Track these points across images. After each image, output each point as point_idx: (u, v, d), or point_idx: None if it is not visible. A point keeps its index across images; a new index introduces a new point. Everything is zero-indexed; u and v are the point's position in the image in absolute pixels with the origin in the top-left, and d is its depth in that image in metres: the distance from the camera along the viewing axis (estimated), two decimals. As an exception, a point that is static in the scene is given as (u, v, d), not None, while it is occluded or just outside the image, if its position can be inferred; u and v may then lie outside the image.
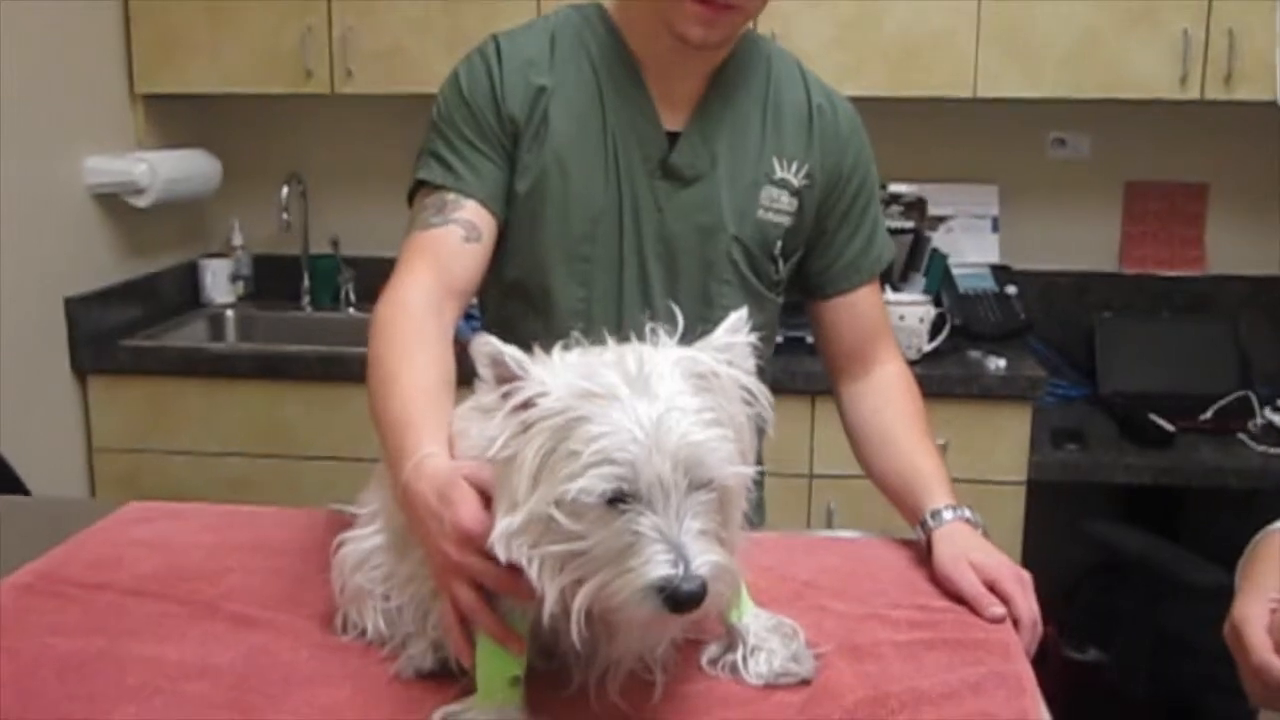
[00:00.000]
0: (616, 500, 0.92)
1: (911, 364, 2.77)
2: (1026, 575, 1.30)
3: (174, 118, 3.27)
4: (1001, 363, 2.83)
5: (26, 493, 2.10)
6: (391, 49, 3.02)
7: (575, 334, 1.07)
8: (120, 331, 3.00)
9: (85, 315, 2.91)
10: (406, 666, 1.16)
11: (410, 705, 1.11)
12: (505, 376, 0.98)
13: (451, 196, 1.46)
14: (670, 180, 1.51)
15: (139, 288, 3.16)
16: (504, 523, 0.96)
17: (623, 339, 1.46)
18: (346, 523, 1.29)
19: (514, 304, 1.55)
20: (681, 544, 0.91)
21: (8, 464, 2.13)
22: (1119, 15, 2.86)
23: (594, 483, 0.91)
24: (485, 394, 0.99)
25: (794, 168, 1.53)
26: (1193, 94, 2.87)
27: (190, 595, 1.35)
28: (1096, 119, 3.23)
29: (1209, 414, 2.95)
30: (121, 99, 3.11)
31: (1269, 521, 1.38)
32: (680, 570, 0.90)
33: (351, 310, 3.38)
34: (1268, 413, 2.94)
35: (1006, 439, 2.78)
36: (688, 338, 1.55)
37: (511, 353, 0.98)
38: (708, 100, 1.51)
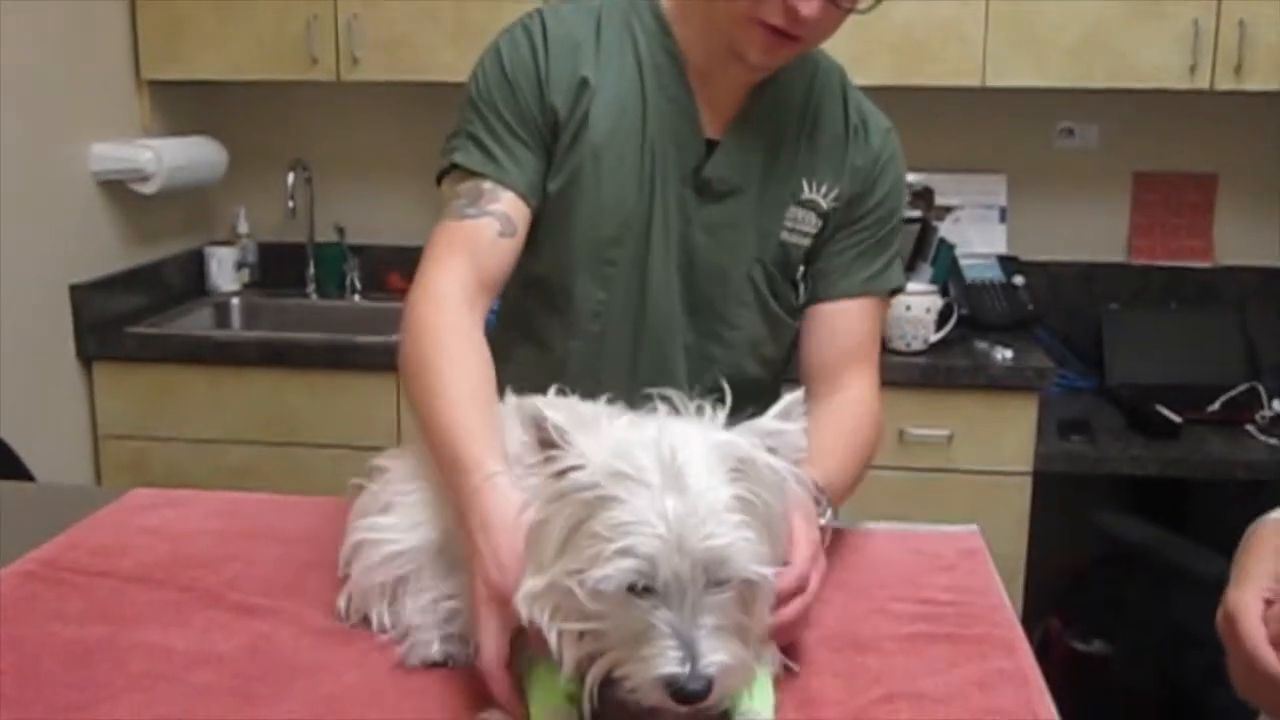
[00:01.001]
0: (635, 588, 0.92)
1: (918, 354, 2.82)
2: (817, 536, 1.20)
3: (180, 104, 3.27)
4: (1008, 353, 2.82)
5: (31, 479, 2.10)
6: (397, 37, 3.02)
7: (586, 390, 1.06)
8: (126, 318, 3.00)
9: (91, 302, 2.91)
10: (411, 655, 1.17)
11: (414, 695, 1.11)
12: (546, 441, 0.97)
13: (488, 186, 1.40)
14: (701, 192, 1.46)
15: (144, 275, 3.16)
16: (529, 584, 0.97)
17: (640, 347, 1.41)
18: (348, 510, 1.29)
19: (533, 298, 1.51)
20: (693, 640, 0.91)
21: (12, 451, 2.13)
22: (1128, 5, 2.84)
23: (613, 573, 0.91)
24: (526, 455, 0.99)
25: (823, 189, 1.47)
26: (1202, 84, 2.85)
27: (193, 583, 1.35)
28: (1105, 109, 3.21)
29: (1216, 405, 2.94)
30: (127, 85, 3.10)
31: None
32: (687, 669, 0.91)
33: (357, 298, 3.38)
34: (1275, 404, 2.93)
35: (1013, 430, 2.77)
36: (705, 356, 1.51)
37: (554, 420, 0.97)
38: (748, 112, 1.46)
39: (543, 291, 1.50)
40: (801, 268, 1.50)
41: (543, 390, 1.28)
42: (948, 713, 1.08)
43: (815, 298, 1.52)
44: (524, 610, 0.96)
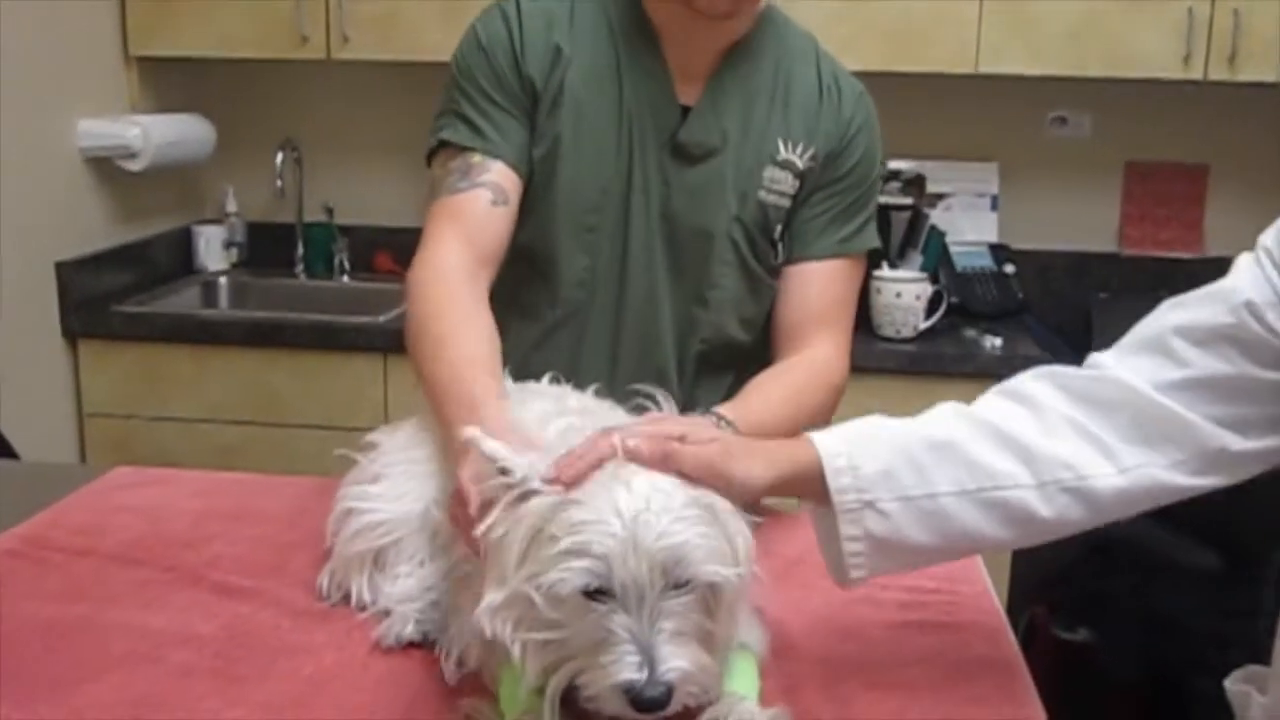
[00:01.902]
0: (593, 592, 0.90)
1: (907, 342, 2.81)
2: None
3: (168, 81, 3.24)
4: (998, 341, 2.82)
5: (16, 457, 2.09)
6: (388, 15, 2.99)
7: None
8: (112, 297, 2.98)
9: (77, 280, 2.89)
10: (388, 634, 1.17)
11: (394, 676, 1.11)
12: (502, 469, 0.97)
13: (477, 159, 1.44)
14: (678, 157, 1.48)
15: (131, 253, 3.14)
16: (489, 598, 0.95)
17: (625, 311, 1.47)
18: (332, 491, 1.29)
19: (519, 268, 1.52)
20: (651, 645, 0.90)
21: (-4, 428, 2.12)
22: (1123, -8, 2.84)
23: (568, 576, 0.90)
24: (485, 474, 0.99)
25: (799, 149, 1.50)
26: (1196, 74, 2.84)
27: (174, 563, 1.34)
28: (1098, 98, 3.20)
29: (1203, 396, 2.93)
30: (115, 61, 3.08)
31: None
32: (644, 675, 0.89)
33: (345, 279, 3.36)
34: (1263, 396, 2.93)
35: (1001, 418, 2.77)
36: (689, 318, 1.52)
37: (498, 452, 0.97)
38: (721, 76, 1.48)
39: (528, 261, 1.52)
40: (780, 227, 1.53)
41: (533, 365, 1.35)
42: (932, 700, 1.08)
43: (790, 258, 1.54)
44: (486, 624, 0.95)
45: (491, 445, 0.97)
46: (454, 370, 1.23)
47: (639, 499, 0.91)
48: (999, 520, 1.06)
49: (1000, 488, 1.06)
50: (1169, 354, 1.08)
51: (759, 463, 1.04)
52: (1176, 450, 1.07)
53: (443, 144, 1.47)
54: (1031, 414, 1.08)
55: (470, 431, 0.99)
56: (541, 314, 1.53)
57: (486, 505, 0.98)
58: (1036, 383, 1.11)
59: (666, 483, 0.94)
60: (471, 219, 1.41)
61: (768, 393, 1.42)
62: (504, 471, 0.96)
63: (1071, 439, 1.07)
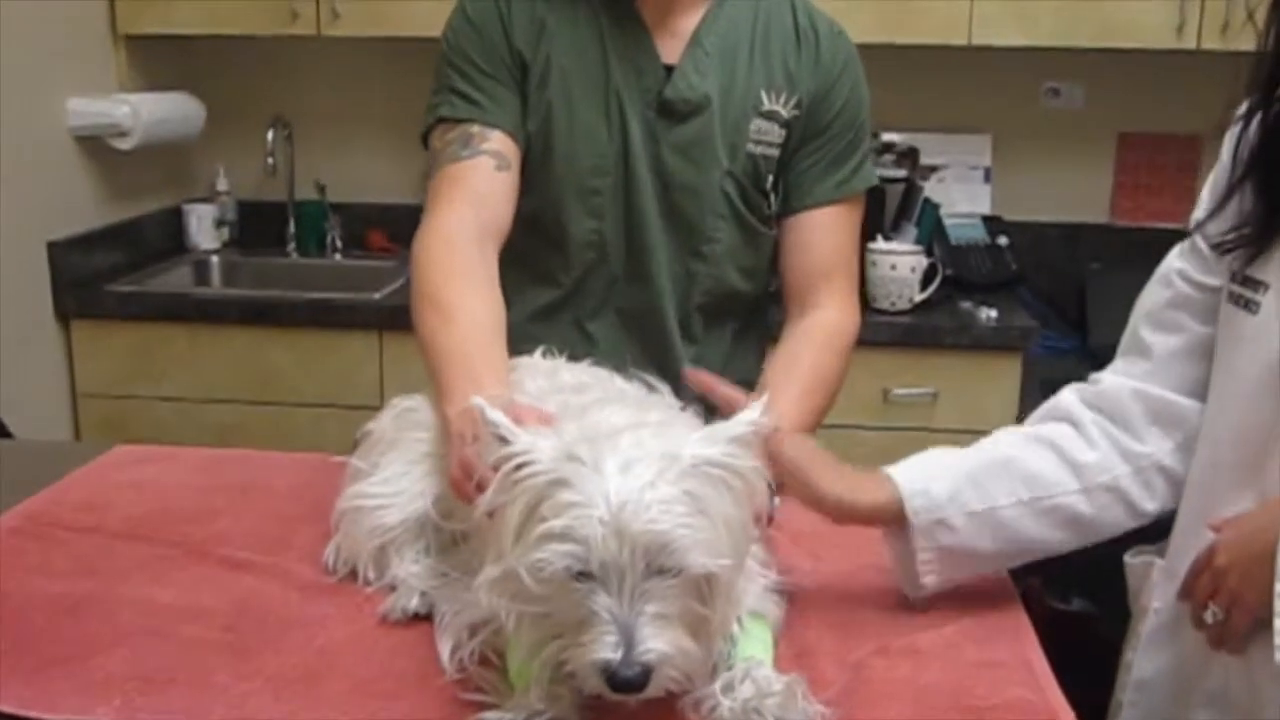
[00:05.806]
0: (579, 574, 0.90)
1: (902, 314, 2.81)
2: None
3: (157, 59, 3.22)
4: (993, 313, 2.82)
5: (9, 435, 2.08)
6: (379, -10, 2.97)
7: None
8: (104, 276, 2.96)
9: (68, 259, 2.87)
10: (394, 608, 1.17)
11: (405, 648, 1.11)
12: (499, 437, 0.97)
13: (476, 129, 1.46)
14: (666, 115, 1.50)
15: (123, 232, 3.12)
16: (487, 571, 0.96)
17: (633, 269, 1.49)
18: (334, 467, 1.29)
19: (530, 238, 1.53)
20: (631, 627, 0.89)
21: (-9, 408, 2.11)
22: (1116, -38, 2.83)
23: (551, 557, 0.90)
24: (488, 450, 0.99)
25: (782, 99, 1.52)
26: (1189, 44, 2.84)
27: (180, 538, 1.34)
28: (1091, 69, 3.20)
29: (1197, 366, 2.94)
30: (104, 39, 3.05)
31: None
32: (620, 655, 0.89)
33: (338, 256, 3.34)
34: (1256, 365, 2.94)
35: (997, 390, 2.77)
36: (688, 271, 1.53)
37: (502, 421, 0.97)
38: (701, 34, 1.51)
39: (538, 229, 1.53)
40: (771, 177, 1.54)
41: (547, 327, 1.43)
42: (942, 665, 1.09)
43: (790, 208, 1.56)
44: (484, 598, 0.96)
45: (495, 415, 0.97)
46: (460, 343, 1.23)
47: (630, 486, 0.90)
48: (1052, 525, 1.22)
49: (1051, 495, 1.22)
50: (1140, 348, 1.27)
51: (844, 485, 1.20)
52: (1180, 432, 1.23)
53: (440, 120, 1.48)
54: (1073, 428, 1.25)
55: (476, 400, 0.99)
56: (556, 278, 1.55)
57: (489, 477, 0.97)
58: (1069, 399, 1.28)
59: (665, 474, 0.92)
60: (476, 185, 1.42)
61: (788, 391, 1.41)
62: (504, 441, 0.96)
63: (1104, 444, 1.23)
